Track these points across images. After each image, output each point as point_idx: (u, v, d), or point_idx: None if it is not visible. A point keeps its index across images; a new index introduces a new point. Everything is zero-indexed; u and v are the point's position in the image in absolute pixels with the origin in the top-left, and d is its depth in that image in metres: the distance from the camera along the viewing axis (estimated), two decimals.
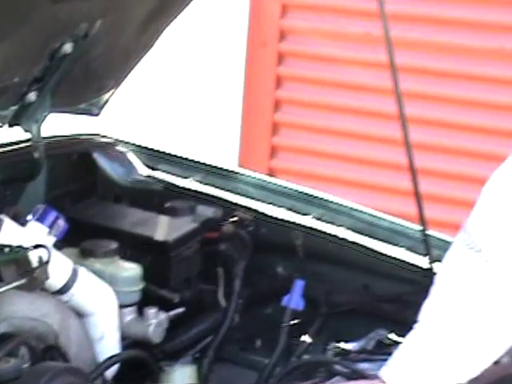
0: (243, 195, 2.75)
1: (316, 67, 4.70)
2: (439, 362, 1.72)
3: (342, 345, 2.26)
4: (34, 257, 2.25)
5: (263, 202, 2.71)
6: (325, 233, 2.57)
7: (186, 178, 2.86)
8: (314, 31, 4.82)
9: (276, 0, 5.05)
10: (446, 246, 2.07)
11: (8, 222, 2.32)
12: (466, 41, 4.25)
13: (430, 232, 2.34)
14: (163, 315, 2.42)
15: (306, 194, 2.75)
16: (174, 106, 4.84)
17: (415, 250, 2.44)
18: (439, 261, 2.13)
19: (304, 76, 4.83)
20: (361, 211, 2.66)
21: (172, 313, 2.49)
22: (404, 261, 2.42)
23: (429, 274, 2.16)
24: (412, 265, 2.38)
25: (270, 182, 2.87)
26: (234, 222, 2.63)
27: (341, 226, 2.60)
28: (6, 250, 2.24)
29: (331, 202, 2.69)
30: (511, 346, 1.79)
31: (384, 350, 2.16)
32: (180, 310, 2.53)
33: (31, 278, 2.22)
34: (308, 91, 4.82)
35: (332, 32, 4.46)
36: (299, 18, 5.06)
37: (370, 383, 1.96)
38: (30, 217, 2.38)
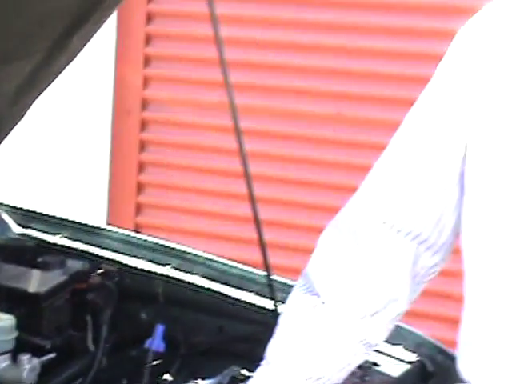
0: (109, 249, 2.73)
1: (176, 132, 4.79)
2: None
3: (200, 381, 2.22)
4: None
5: (127, 254, 2.70)
6: (182, 281, 2.59)
7: (56, 234, 2.82)
8: (173, 100, 4.87)
9: (138, 72, 5.06)
10: (288, 289, 2.01)
11: None
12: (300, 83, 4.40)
13: (274, 277, 2.36)
14: (36, 361, 2.37)
15: (165, 246, 2.76)
16: (47, 168, 4.82)
17: (263, 293, 2.45)
18: (283, 302, 2.12)
19: (165, 140, 4.89)
20: (214, 260, 2.68)
21: (44, 358, 2.44)
22: (253, 304, 2.45)
23: (274, 315, 2.15)
24: (260, 307, 2.41)
25: (133, 237, 2.87)
26: (100, 273, 2.61)
27: (197, 274, 2.62)
28: None
29: (188, 252, 2.71)
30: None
31: None
32: (52, 355, 2.47)
33: None
34: (169, 154, 4.89)
35: (189, 100, 4.57)
36: (159, 88, 5.11)
37: None
38: None
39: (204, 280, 2.58)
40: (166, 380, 2.46)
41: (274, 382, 1.81)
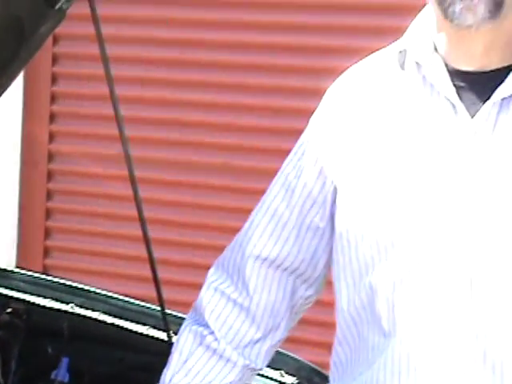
0: (18, 290, 2.70)
1: (79, 182, 4.77)
2: None
3: None
4: None
5: (35, 294, 2.67)
6: (85, 317, 2.57)
7: None
8: (77, 152, 4.82)
9: (44, 128, 5.03)
10: (181, 321, 1.94)
11: None
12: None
13: (168, 311, 2.38)
14: None
15: (70, 286, 2.76)
16: None
17: (158, 326, 2.46)
18: (176, 334, 1.99)
19: (70, 189, 4.84)
20: (114, 297, 2.69)
21: None
22: (150, 336, 2.45)
23: (168, 346, 2.07)
24: (156, 338, 2.42)
25: (40, 278, 2.86)
26: (9, 312, 2.58)
27: (99, 310, 2.60)
28: None
29: (90, 291, 2.72)
30: None
31: None
32: None
33: None
34: (74, 202, 4.85)
35: (91, 153, 4.59)
36: (64, 142, 5.05)
37: None
38: None
39: (105, 316, 2.56)
40: None
41: None
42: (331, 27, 4.61)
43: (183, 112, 4.69)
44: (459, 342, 1.57)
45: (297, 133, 2.34)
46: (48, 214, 5.13)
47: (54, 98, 5.02)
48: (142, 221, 2.45)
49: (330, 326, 1.91)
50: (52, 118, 5.06)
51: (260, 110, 4.57)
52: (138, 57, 4.79)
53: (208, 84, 4.63)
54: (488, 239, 1.58)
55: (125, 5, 4.85)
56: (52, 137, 5.07)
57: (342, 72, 2.14)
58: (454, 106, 1.58)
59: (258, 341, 1.79)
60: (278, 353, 1.93)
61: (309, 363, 2.41)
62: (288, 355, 2.31)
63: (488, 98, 1.56)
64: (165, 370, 1.81)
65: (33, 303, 2.62)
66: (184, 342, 1.82)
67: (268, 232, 1.79)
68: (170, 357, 1.82)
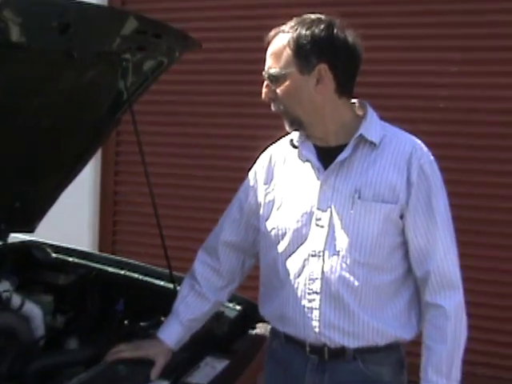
0: (98, 263, 2.83)
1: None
2: None
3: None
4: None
5: (106, 265, 2.82)
6: (132, 277, 2.72)
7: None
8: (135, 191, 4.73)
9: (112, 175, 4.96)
10: (182, 279, 2.18)
11: None
12: None
13: (174, 273, 2.45)
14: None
15: (123, 261, 2.86)
16: None
17: (169, 281, 2.50)
18: (179, 285, 2.18)
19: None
20: (147, 267, 2.77)
21: None
22: (166, 287, 2.54)
23: (174, 292, 2.21)
24: (168, 288, 2.47)
25: (111, 258, 2.94)
26: (92, 275, 2.76)
27: (138, 273, 2.73)
28: None
29: (134, 264, 2.81)
30: None
31: None
32: None
33: None
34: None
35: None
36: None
37: (150, 342, 2.02)
38: None
39: (142, 276, 2.71)
40: None
41: (176, 321, 2.03)
42: None
43: None
44: (316, 284, 1.82)
45: None
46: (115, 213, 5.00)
47: (117, 154, 4.95)
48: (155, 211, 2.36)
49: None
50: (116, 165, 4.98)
51: None
52: None
53: None
54: (328, 231, 1.81)
55: None
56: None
57: None
58: (316, 166, 1.84)
59: (223, 288, 2.06)
60: (233, 294, 2.18)
61: (247, 298, 2.48)
62: (237, 295, 2.37)
63: (333, 161, 1.81)
64: (174, 305, 2.06)
65: (105, 270, 2.79)
66: (184, 289, 2.07)
67: (230, 227, 2.03)
68: (177, 297, 2.07)
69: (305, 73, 1.74)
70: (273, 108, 1.81)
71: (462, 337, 1.78)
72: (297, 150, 1.89)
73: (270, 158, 1.95)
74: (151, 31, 2.11)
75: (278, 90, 1.76)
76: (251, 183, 1.97)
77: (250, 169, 2.01)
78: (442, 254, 1.78)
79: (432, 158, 1.81)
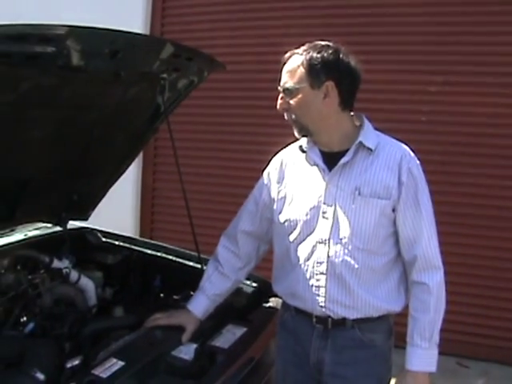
0: (139, 246, 2.77)
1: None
2: None
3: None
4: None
5: (146, 248, 2.76)
6: (167, 258, 2.67)
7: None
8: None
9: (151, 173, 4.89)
10: (207, 260, 2.14)
11: None
12: None
13: (202, 255, 2.37)
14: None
15: (160, 245, 2.79)
16: None
17: (196, 262, 2.45)
18: (206, 265, 2.13)
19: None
20: (181, 250, 2.70)
21: None
22: (196, 267, 2.47)
23: (202, 271, 2.14)
24: (197, 268, 2.42)
25: (148, 242, 2.85)
26: (134, 257, 2.71)
27: (171, 255, 2.68)
28: None
29: (169, 247, 2.74)
30: None
31: None
32: None
33: None
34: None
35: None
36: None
37: (181, 313, 2.00)
38: None
39: (176, 258, 2.64)
40: None
41: (202, 295, 2.04)
42: None
43: None
44: (323, 267, 1.81)
45: None
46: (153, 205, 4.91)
47: (155, 156, 4.93)
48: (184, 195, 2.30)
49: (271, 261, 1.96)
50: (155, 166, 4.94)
51: None
52: None
53: None
54: (332, 222, 1.80)
55: None
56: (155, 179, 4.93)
57: None
58: (322, 168, 1.82)
59: (241, 268, 2.06)
60: (250, 274, 2.19)
61: (262, 277, 2.44)
62: (253, 274, 2.31)
63: (336, 163, 1.80)
64: (201, 282, 2.07)
65: (145, 252, 2.75)
66: (209, 269, 2.08)
67: (247, 218, 2.02)
68: (203, 275, 2.08)
69: (315, 88, 1.75)
70: (286, 117, 1.81)
71: (442, 309, 1.79)
72: (305, 154, 1.88)
73: (282, 161, 1.94)
74: (184, 55, 2.14)
75: (292, 102, 1.77)
76: (265, 182, 1.96)
77: (263, 170, 2.00)
78: (426, 241, 1.78)
79: (418, 162, 1.82)
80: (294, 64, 1.76)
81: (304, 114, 1.76)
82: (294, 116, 1.78)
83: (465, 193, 3.99)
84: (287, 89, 1.76)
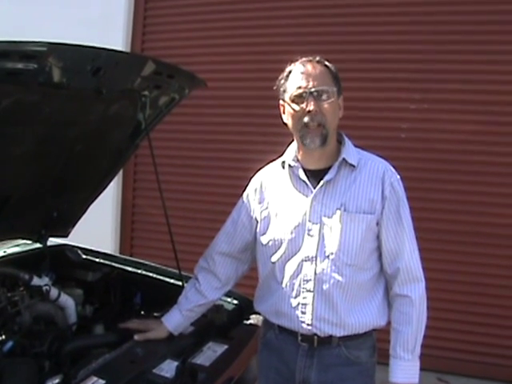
0: (118, 263, 2.76)
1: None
2: None
3: None
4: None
5: (125, 265, 2.75)
6: (147, 275, 2.66)
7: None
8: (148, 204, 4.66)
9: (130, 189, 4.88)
10: (189, 278, 2.17)
11: None
12: None
13: (183, 273, 2.37)
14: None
15: (140, 262, 2.79)
16: None
17: (177, 279, 2.44)
18: (186, 282, 2.15)
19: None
20: (161, 268, 2.70)
21: None
22: (176, 284, 2.47)
23: (182, 287, 2.16)
24: (177, 285, 2.41)
25: (128, 259, 2.85)
26: (114, 274, 2.70)
27: (153, 272, 2.66)
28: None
29: (150, 265, 2.75)
30: None
31: None
32: None
33: None
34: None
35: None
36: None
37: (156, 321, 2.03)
38: None
39: (157, 276, 2.64)
40: None
41: (176, 310, 2.05)
42: None
43: None
44: (310, 284, 1.80)
45: None
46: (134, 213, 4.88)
47: (135, 173, 4.90)
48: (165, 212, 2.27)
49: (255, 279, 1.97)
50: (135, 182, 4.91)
51: None
52: None
53: None
54: (318, 240, 1.78)
55: None
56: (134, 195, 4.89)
57: None
58: (306, 184, 1.82)
59: (219, 288, 2.06)
60: (230, 291, 2.17)
61: (242, 294, 2.47)
62: (234, 291, 2.32)
63: (320, 180, 1.80)
64: (179, 297, 2.08)
65: (125, 269, 2.74)
66: (187, 286, 2.10)
67: (224, 239, 2.01)
68: (182, 292, 2.09)
69: (339, 95, 1.76)
70: (313, 121, 1.72)
71: (424, 321, 1.79)
72: (288, 172, 1.85)
73: (261, 182, 1.93)
74: (166, 72, 2.13)
75: (326, 104, 1.72)
76: (244, 203, 1.95)
77: (243, 191, 1.98)
78: (409, 254, 1.79)
79: (399, 176, 1.82)
80: (321, 68, 1.73)
81: (333, 119, 1.74)
82: (324, 119, 1.71)
83: (445, 209, 4.01)
84: (323, 90, 1.70)
